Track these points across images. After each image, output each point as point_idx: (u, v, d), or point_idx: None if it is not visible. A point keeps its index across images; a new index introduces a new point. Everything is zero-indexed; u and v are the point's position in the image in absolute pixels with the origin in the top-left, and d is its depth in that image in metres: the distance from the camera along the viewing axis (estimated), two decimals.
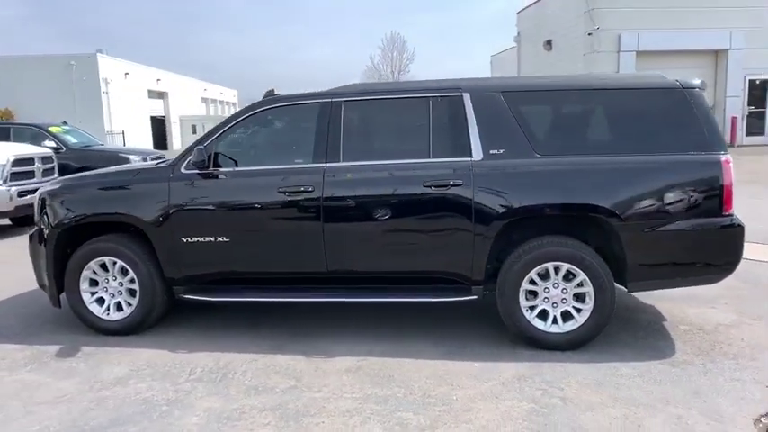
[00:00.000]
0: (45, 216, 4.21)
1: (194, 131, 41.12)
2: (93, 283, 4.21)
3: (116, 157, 11.07)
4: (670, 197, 3.51)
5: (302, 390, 3.28)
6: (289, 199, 3.84)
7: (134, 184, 4.10)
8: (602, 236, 3.72)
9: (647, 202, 3.52)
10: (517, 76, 4.37)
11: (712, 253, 3.57)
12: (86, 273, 4.15)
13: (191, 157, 4.01)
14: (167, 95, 41.05)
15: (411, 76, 50.77)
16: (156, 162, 4.80)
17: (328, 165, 3.83)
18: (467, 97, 3.79)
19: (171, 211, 3.97)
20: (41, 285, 4.38)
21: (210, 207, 3.97)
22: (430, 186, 3.70)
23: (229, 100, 57.10)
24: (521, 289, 3.68)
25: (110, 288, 4.19)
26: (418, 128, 3.85)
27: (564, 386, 3.24)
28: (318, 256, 3.88)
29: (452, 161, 3.72)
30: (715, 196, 3.50)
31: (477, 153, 3.70)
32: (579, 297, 3.68)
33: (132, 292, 4.16)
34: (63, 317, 4.57)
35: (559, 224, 3.76)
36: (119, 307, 4.20)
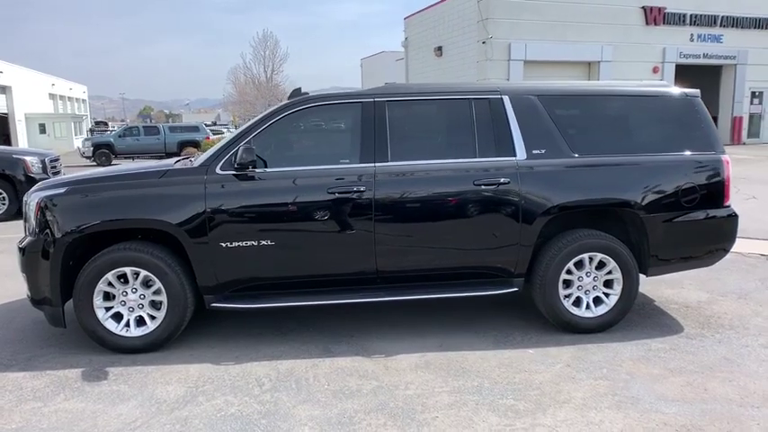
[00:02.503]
0: (47, 224, 3.69)
1: (43, 131, 36.86)
2: (107, 296, 3.77)
3: (9, 159, 9.71)
4: (685, 191, 4.04)
5: (390, 389, 3.28)
6: (339, 199, 3.78)
7: (162, 186, 3.76)
8: (624, 227, 4.16)
9: (667, 196, 4.01)
10: (548, 82, 4.63)
11: (715, 238, 4.17)
12: (101, 286, 3.72)
13: (226, 157, 3.78)
14: (10, 90, 36.04)
15: (285, 77, 50.22)
16: (162, 162, 4.39)
17: (379, 165, 3.83)
18: (506, 99, 4.02)
19: (208, 215, 3.71)
20: (37, 302, 3.83)
21: (254, 209, 3.77)
22: (480, 185, 3.87)
23: (79, 96, 51.59)
24: (560, 279, 3.99)
25: (128, 302, 3.79)
26: (463, 128, 4.00)
27: (620, 363, 3.60)
28: (368, 257, 3.86)
29: (499, 160, 3.92)
30: (718, 190, 4.09)
31: (521, 153, 3.94)
32: (608, 284, 4.08)
33: (155, 305, 3.81)
34: (55, 335, 4.05)
35: (588, 218, 4.13)
36: (138, 322, 3.81)
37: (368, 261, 3.88)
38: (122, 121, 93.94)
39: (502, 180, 3.87)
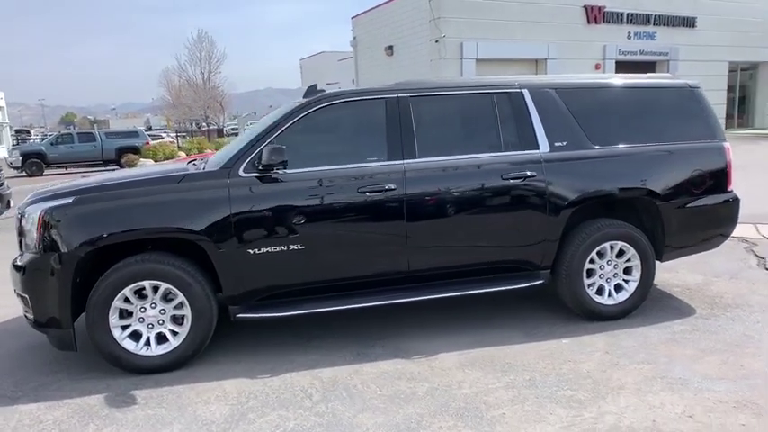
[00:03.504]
0: (53, 238, 3.36)
1: None
2: (123, 314, 3.49)
3: None
4: (695, 178, 4.20)
5: (445, 390, 3.21)
6: (370, 199, 3.67)
7: (182, 192, 3.51)
8: (637, 215, 4.27)
9: (680, 184, 4.16)
10: (561, 75, 4.68)
11: (722, 222, 4.36)
12: (117, 303, 3.43)
13: (249, 159, 3.59)
14: None
15: (223, 78, 48.78)
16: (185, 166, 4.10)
17: (408, 161, 3.75)
18: (526, 93, 4.04)
19: (234, 221, 3.50)
20: (42, 325, 3.49)
21: (282, 212, 3.59)
22: (509, 179, 3.87)
23: None
24: (584, 268, 4.05)
25: (147, 318, 3.52)
26: (486, 123, 3.99)
27: (654, 347, 3.69)
28: (401, 256, 3.78)
29: (524, 154, 3.94)
30: (723, 176, 4.28)
31: (543, 146, 3.97)
32: (627, 271, 4.18)
33: (176, 320, 3.56)
34: (58, 359, 3.72)
35: (605, 208, 4.22)
36: (159, 339, 3.55)
37: (400, 260, 3.79)
38: (43, 128, 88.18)
39: (528, 173, 3.88)
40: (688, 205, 4.19)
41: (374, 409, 3.01)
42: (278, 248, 3.58)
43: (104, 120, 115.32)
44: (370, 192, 3.67)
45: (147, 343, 3.53)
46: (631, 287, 4.18)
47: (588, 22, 19.47)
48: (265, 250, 3.56)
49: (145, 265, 3.43)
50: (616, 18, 19.86)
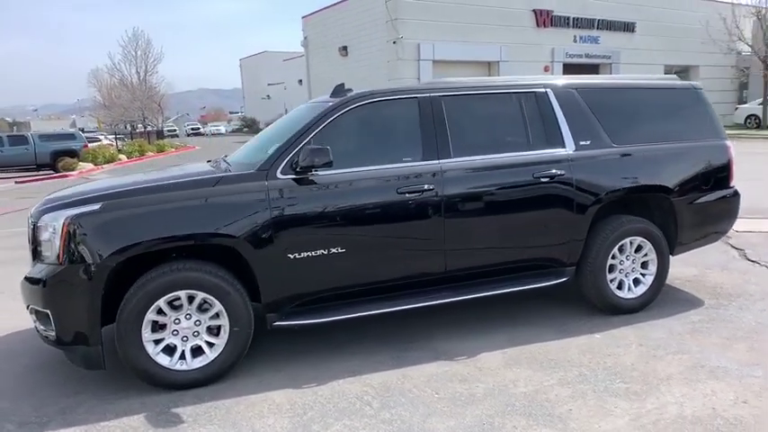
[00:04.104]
0: (79, 248, 3.10)
1: None
2: (155, 327, 3.27)
3: None
4: (704, 175, 4.41)
5: (502, 389, 3.20)
6: (409, 199, 3.62)
7: (220, 195, 3.32)
8: (649, 211, 4.43)
9: (691, 180, 4.35)
10: (579, 76, 4.71)
11: (726, 216, 4.60)
12: (150, 315, 3.21)
13: (287, 160, 3.45)
14: None
15: (160, 78, 46.97)
16: (216, 168, 3.88)
17: (443, 161, 3.73)
18: (550, 93, 4.10)
19: (274, 224, 3.36)
20: (67, 343, 3.21)
21: (323, 214, 3.48)
22: (540, 177, 3.92)
23: None
24: (607, 264, 4.17)
25: (181, 330, 3.31)
26: (515, 122, 4.03)
27: (681, 338, 3.83)
28: (438, 257, 3.75)
29: (552, 152, 4.00)
30: (727, 172, 4.52)
31: (569, 144, 4.05)
32: (644, 265, 4.34)
33: (213, 331, 3.37)
34: (77, 378, 3.45)
35: (623, 205, 4.35)
36: (193, 352, 3.35)
37: (438, 261, 3.76)
38: None
39: (558, 172, 3.95)
40: (698, 201, 4.40)
41: (440, 414, 2.96)
42: (318, 252, 3.46)
43: (25, 122, 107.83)
44: (408, 192, 3.62)
45: (182, 357, 3.32)
46: (648, 281, 4.33)
47: (537, 25, 20.14)
48: (306, 254, 3.44)
49: (181, 273, 3.22)
50: (563, 22, 20.65)
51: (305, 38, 24.45)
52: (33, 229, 3.32)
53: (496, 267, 3.98)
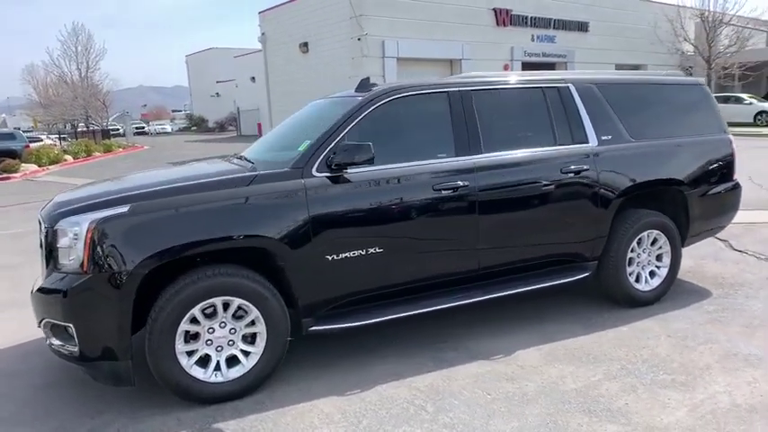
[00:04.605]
0: (108, 254, 2.85)
1: None
2: (188, 337, 3.05)
3: None
4: (712, 168, 4.54)
5: (552, 387, 3.18)
6: (445, 196, 3.54)
7: (255, 195, 3.13)
8: (663, 203, 4.51)
9: (701, 174, 4.47)
10: (596, 71, 4.71)
11: (729, 208, 4.75)
12: (184, 325, 2.99)
13: (321, 157, 3.30)
14: None
15: (102, 74, 44.84)
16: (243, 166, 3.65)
17: (476, 157, 3.67)
18: (572, 88, 4.11)
19: (312, 225, 3.20)
20: (92, 359, 2.95)
21: (361, 214, 3.34)
22: (567, 173, 3.92)
23: None
24: (627, 257, 4.22)
25: (215, 340, 3.11)
26: (541, 117, 4.01)
27: (704, 327, 3.92)
28: (472, 254, 3.69)
29: (577, 147, 4.01)
30: (731, 166, 4.67)
31: (592, 139, 4.07)
32: (659, 257, 4.42)
33: (248, 339, 3.19)
34: (97, 395, 3.19)
35: (638, 199, 4.41)
36: (228, 363, 3.16)
37: (472, 259, 3.70)
38: None
39: (584, 167, 3.96)
40: (707, 193, 4.52)
41: (501, 415, 2.90)
42: (356, 253, 3.33)
43: None
44: (444, 189, 3.53)
45: (217, 368, 3.12)
46: (663, 273, 4.42)
47: (497, 24, 20.47)
48: (344, 255, 3.30)
49: (217, 279, 3.02)
50: (521, 21, 21.08)
51: (262, 34, 23.88)
52: (48, 235, 3.02)
53: (525, 264, 3.95)
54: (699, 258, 5.62)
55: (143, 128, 64.66)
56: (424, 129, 3.75)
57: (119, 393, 3.24)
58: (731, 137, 4.71)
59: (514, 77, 4.12)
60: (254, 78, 39.03)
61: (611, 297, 4.33)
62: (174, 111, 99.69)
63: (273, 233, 3.12)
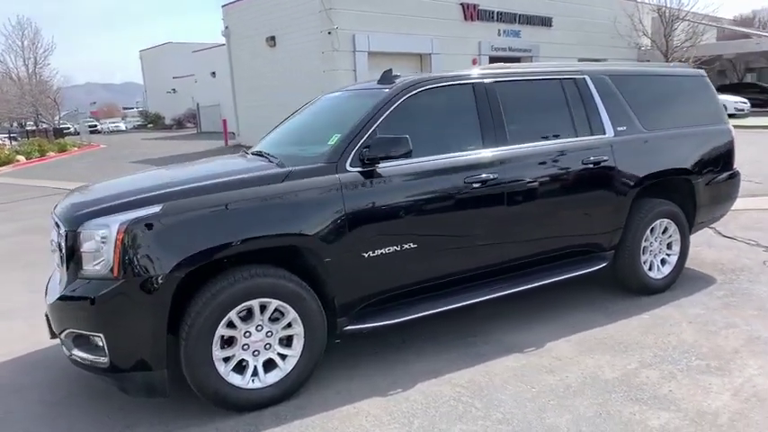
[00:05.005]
0: (142, 257, 2.68)
1: None
2: (224, 342, 2.91)
3: None
4: (716, 157, 4.65)
5: (594, 377, 3.18)
6: (475, 190, 3.49)
7: (291, 192, 3.00)
8: (670, 192, 4.59)
9: (707, 163, 4.58)
10: (608, 63, 4.70)
11: (732, 195, 4.89)
12: (221, 330, 2.85)
13: (354, 152, 3.19)
14: None
15: (52, 70, 42.87)
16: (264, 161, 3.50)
17: (503, 149, 3.63)
18: (588, 79, 4.13)
19: (348, 221, 3.09)
20: (119, 370, 2.76)
21: (394, 209, 3.25)
22: (588, 164, 3.93)
23: None
24: (642, 246, 4.29)
25: (252, 344, 2.97)
26: (561, 108, 4.01)
27: (719, 311, 4.02)
28: (500, 247, 3.67)
29: (596, 138, 4.03)
30: (731, 155, 4.80)
31: (609, 130, 4.11)
32: (669, 246, 4.51)
33: (284, 342, 3.06)
34: (120, 405, 3.01)
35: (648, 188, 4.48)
36: (265, 367, 3.03)
37: (500, 252, 3.67)
38: None
39: (604, 157, 3.99)
40: (712, 182, 4.64)
41: (552, 408, 2.88)
42: (392, 249, 3.24)
43: None
44: (475, 182, 3.48)
45: (254, 373, 2.98)
46: (673, 261, 4.51)
47: (465, 18, 20.53)
48: (380, 252, 3.21)
49: (255, 280, 2.88)
50: (488, 16, 21.22)
51: (226, 27, 23.23)
52: (68, 238, 2.81)
53: (548, 255, 3.96)
54: (694, 246, 5.71)
55: (95, 126, 62.24)
56: (451, 121, 3.68)
57: (145, 405, 3.07)
58: (731, 126, 4.84)
59: (533, 69, 4.11)
60: (214, 73, 38.02)
61: (625, 286, 4.39)
62: (125, 108, 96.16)
63: (312, 231, 3.00)
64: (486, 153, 3.57)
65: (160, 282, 2.68)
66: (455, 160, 3.47)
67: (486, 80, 3.72)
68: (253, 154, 3.90)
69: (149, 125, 55.08)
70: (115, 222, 2.69)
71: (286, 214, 2.96)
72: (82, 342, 2.84)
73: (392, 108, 3.38)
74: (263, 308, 2.95)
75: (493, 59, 21.32)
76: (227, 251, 2.81)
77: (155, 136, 38.33)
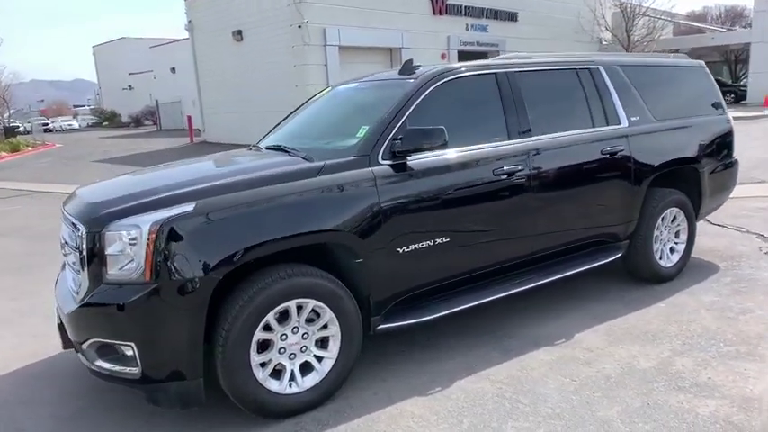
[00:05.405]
0: (177, 259, 2.50)
1: None
2: (259, 347, 2.76)
3: None
4: (719, 146, 4.74)
5: (630, 368, 3.17)
6: (504, 181, 3.43)
7: (326, 187, 2.86)
8: (676, 181, 4.65)
9: (712, 152, 4.66)
10: (617, 53, 4.67)
11: (731, 183, 4.99)
12: (258, 333, 2.70)
13: (385, 144, 3.08)
14: None
15: (1, 66, 40.87)
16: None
17: (529, 140, 3.59)
18: (602, 70, 4.13)
19: (383, 216, 2.98)
20: (152, 380, 2.58)
21: (427, 202, 3.16)
22: (606, 154, 3.93)
23: None
24: (653, 235, 4.33)
25: (288, 347, 2.83)
26: (578, 98, 3.99)
27: (732, 297, 4.10)
28: (528, 239, 3.63)
29: (614, 129, 4.04)
30: (732, 143, 4.90)
31: (623, 120, 4.12)
32: (676, 234, 4.57)
33: (320, 343, 2.93)
34: (119, 416, 2.82)
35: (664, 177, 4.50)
36: (301, 370, 2.89)
37: (527, 244, 3.63)
38: None
39: (621, 147, 3.99)
40: (716, 171, 4.72)
41: (599, 401, 2.85)
42: (425, 244, 3.15)
43: None
44: (504, 174, 3.42)
45: (291, 378, 2.84)
46: (681, 249, 4.58)
47: (434, 13, 20.54)
48: (414, 247, 3.11)
49: (292, 280, 2.73)
50: (456, 10, 21.29)
51: (189, 22, 22.54)
52: (89, 240, 2.60)
53: (570, 246, 3.94)
54: None
55: (47, 125, 59.64)
56: (476, 112, 3.60)
57: (170, 416, 2.88)
58: (730, 116, 4.94)
59: (550, 59, 4.07)
60: (174, 69, 36.97)
61: (637, 275, 4.42)
62: (76, 106, 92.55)
63: (349, 227, 2.88)
64: (513, 144, 3.51)
65: (197, 284, 2.50)
66: (484, 152, 3.40)
67: (508, 70, 3.66)
68: (267, 149, 3.73)
69: (105, 123, 53.12)
70: (146, 222, 2.50)
71: (323, 210, 2.83)
72: (107, 352, 2.64)
73: (420, 99, 3.28)
74: (299, 309, 2.81)
75: (461, 54, 21.47)
76: (265, 249, 2.66)
77: (112, 134, 36.93)
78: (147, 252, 2.48)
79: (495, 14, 22.85)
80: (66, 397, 3.21)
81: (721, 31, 29.21)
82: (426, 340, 3.65)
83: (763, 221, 6.18)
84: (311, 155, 3.20)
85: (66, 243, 2.92)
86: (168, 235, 2.49)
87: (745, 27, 34.40)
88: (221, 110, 21.75)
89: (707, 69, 4.92)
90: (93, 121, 57.83)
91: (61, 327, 2.93)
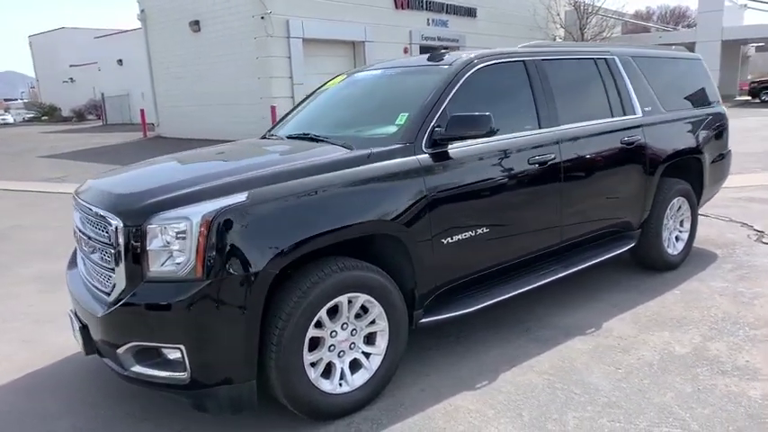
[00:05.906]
0: (230, 253, 2.32)
1: None
2: (310, 344, 2.61)
3: None
4: (718, 136, 4.88)
5: (668, 354, 3.20)
6: (538, 170, 3.40)
7: (377, 177, 2.73)
8: (680, 171, 4.75)
9: (713, 142, 4.79)
10: (626, 43, 4.59)
11: (726, 173, 5.16)
12: (311, 331, 2.55)
13: (427, 132, 2.97)
14: None
15: None
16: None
17: (559, 128, 3.57)
18: (617, 59, 4.16)
19: (428, 206, 2.88)
20: (202, 385, 2.39)
21: (469, 191, 3.08)
22: (625, 144, 3.96)
23: None
24: (663, 224, 4.41)
25: (337, 344, 2.70)
26: (598, 88, 4.01)
27: (741, 283, 4.23)
28: (558, 228, 3.61)
29: (631, 118, 4.09)
30: (727, 134, 5.06)
31: (638, 111, 4.16)
32: (681, 223, 4.69)
33: (368, 339, 2.81)
34: (145, 426, 2.63)
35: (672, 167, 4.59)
36: (351, 368, 2.76)
37: (557, 232, 3.62)
38: None
39: (637, 137, 4.04)
40: (715, 160, 4.87)
41: (650, 388, 2.85)
42: (467, 234, 3.07)
43: None
44: (538, 163, 3.39)
45: (341, 376, 2.70)
46: (685, 237, 4.70)
47: (396, 7, 20.46)
48: (457, 238, 3.03)
49: (345, 274, 2.59)
50: (418, 5, 21.28)
51: (142, 11, 21.53)
52: (128, 234, 2.37)
53: (593, 235, 3.95)
54: None
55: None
56: (509, 99, 3.55)
57: (208, 423, 2.69)
58: (725, 108, 5.11)
59: (570, 48, 4.07)
60: (121, 61, 35.41)
61: (647, 263, 4.50)
62: (6, 100, 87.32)
63: (399, 217, 2.76)
64: (545, 133, 3.48)
65: (253, 280, 2.33)
66: (519, 140, 3.35)
67: (536, 58, 3.63)
68: (289, 137, 3.55)
69: (44, 117, 50.22)
70: (197, 214, 2.30)
71: (376, 199, 2.70)
72: (148, 356, 2.42)
73: (458, 85, 3.19)
74: (350, 303, 2.68)
75: (424, 49, 21.48)
76: (323, 241, 2.51)
77: (54, 129, 34.91)
78: (198, 246, 2.29)
79: (455, 10, 23.00)
80: (71, 407, 2.92)
81: (667, 30, 30.56)
82: (459, 332, 3.57)
83: (742, 210, 6.45)
84: (348, 143, 3.05)
85: (90, 238, 2.66)
86: (222, 227, 2.30)
87: (688, 27, 36.13)
88: (178, 103, 20.95)
89: (704, 62, 5.06)
90: (31, 115, 54.59)
91: (84, 331, 2.67)
